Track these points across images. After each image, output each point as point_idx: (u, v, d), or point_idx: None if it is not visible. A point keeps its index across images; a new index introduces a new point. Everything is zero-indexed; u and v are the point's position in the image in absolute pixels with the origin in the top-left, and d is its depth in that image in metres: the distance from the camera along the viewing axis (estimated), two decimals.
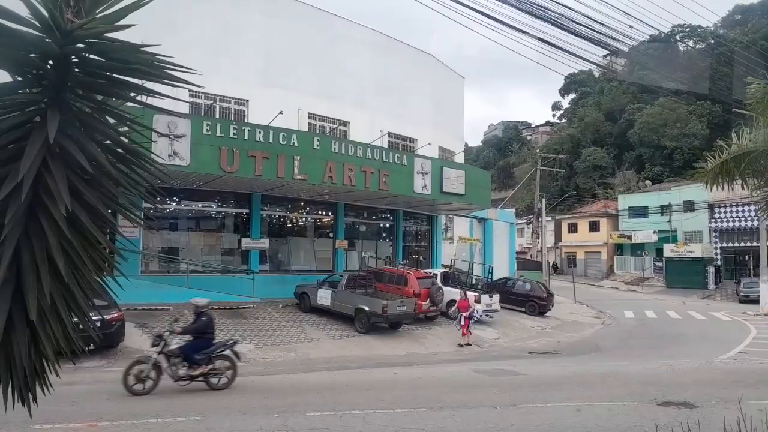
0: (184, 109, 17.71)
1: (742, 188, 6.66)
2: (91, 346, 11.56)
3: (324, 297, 18.94)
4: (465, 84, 32.35)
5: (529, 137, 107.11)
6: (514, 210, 48.17)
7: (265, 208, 21.61)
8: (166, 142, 14.92)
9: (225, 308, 18.12)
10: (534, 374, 13.63)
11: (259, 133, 16.86)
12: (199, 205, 20.48)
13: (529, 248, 59.00)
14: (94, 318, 2.83)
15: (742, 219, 42.93)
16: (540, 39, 10.44)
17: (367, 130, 23.27)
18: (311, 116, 22.86)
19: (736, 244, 44.08)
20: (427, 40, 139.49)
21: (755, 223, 39.19)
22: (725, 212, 43.85)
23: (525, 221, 58.70)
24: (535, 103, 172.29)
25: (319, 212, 23.75)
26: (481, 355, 16.78)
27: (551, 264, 58.31)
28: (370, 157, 19.18)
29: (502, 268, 33.37)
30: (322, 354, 15.24)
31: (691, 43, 76.27)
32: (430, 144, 25.67)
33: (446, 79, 30.17)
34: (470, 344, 17.76)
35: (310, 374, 12.84)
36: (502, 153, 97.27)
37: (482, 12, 9.78)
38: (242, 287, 19.53)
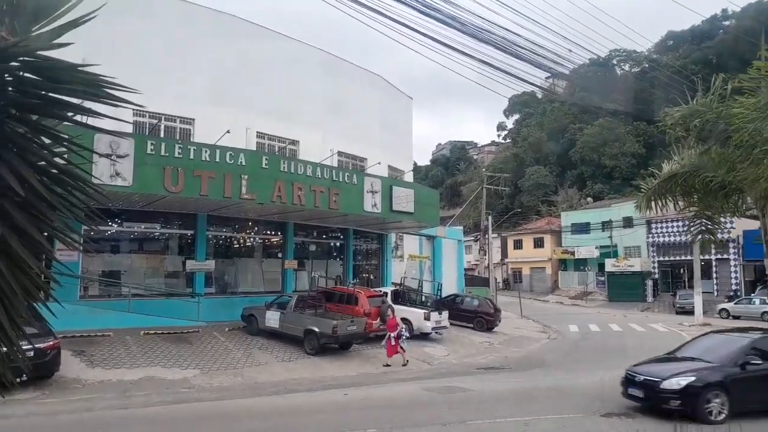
0: (128, 128, 17.24)
1: (674, 208, 7.02)
2: (24, 377, 10.95)
3: (272, 319, 18.60)
4: (413, 104, 32.87)
5: (475, 156, 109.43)
6: (461, 227, 48.93)
7: (211, 228, 21.16)
8: (108, 162, 14.45)
9: (168, 333, 17.54)
10: (482, 390, 13.78)
11: (205, 152, 16.56)
12: (142, 227, 19.86)
13: (476, 265, 59.99)
14: (25, 347, 2.69)
15: (676, 234, 44.96)
16: (483, 62, 10.77)
17: (317, 150, 23.24)
18: (260, 135, 22.65)
19: (672, 258, 46.10)
20: (376, 62, 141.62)
21: (688, 237, 41.10)
22: (661, 228, 45.86)
23: (472, 238, 59.65)
24: (481, 123, 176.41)
25: (268, 232, 23.44)
26: (430, 372, 16.83)
27: (503, 280, 59.42)
28: (320, 176, 19.13)
29: (451, 284, 33.74)
30: (271, 378, 14.94)
31: (627, 66, 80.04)
32: (379, 163, 25.85)
33: (395, 100, 30.58)
34: (406, 363, 17.29)
35: (258, 399, 12.56)
36: (450, 172, 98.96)
37: (428, 35, 10.01)
38: (187, 311, 18.96)
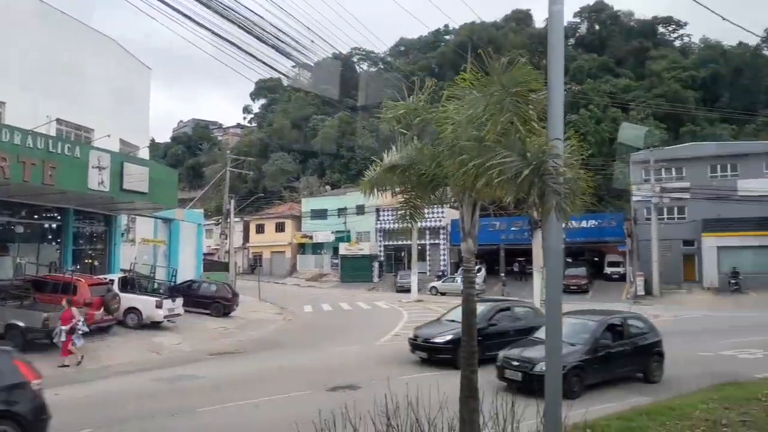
0: None
1: (392, 196, 7.84)
2: None
3: None
4: (153, 76, 30.40)
5: (219, 138, 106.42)
6: (202, 211, 47.20)
7: None
8: None
9: None
10: (215, 376, 13.60)
11: None
12: None
13: (217, 249, 58.53)
14: None
15: (396, 221, 50.28)
16: (227, 40, 10.49)
17: (29, 115, 19.85)
18: None
19: (396, 243, 51.32)
20: (111, 26, 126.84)
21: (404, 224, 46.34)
22: (387, 215, 50.61)
23: (214, 222, 58.03)
24: (227, 104, 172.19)
25: None
26: (160, 362, 15.97)
27: (250, 265, 58.99)
28: (31, 146, 16.41)
29: (189, 270, 32.32)
30: None
31: (365, 65, 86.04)
32: (109, 136, 23.30)
33: (131, 69, 27.85)
34: (80, 362, 14.87)
35: None
36: (192, 152, 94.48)
37: (169, 4, 9.35)
38: None
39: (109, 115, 24.79)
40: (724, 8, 10.34)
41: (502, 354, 12.16)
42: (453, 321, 14.23)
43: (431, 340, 14.68)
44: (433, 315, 27.48)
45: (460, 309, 13.54)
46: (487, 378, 10.24)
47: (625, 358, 12.30)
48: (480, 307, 13.38)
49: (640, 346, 12.74)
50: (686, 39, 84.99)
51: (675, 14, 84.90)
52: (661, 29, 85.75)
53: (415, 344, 15.16)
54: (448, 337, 14.13)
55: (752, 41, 71.28)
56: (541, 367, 10.23)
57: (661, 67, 69.40)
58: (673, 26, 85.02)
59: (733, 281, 37.25)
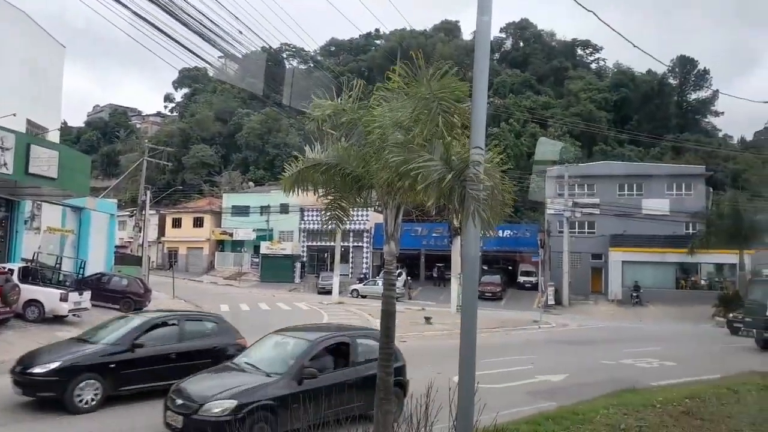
0: None
1: (314, 194, 7.83)
2: None
3: None
4: (67, 55, 28.66)
5: (138, 125, 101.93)
6: (116, 201, 44.93)
7: None
8: None
9: None
10: None
11: None
12: None
13: (130, 242, 55.90)
14: None
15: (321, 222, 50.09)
16: (148, 21, 10.08)
17: None
18: None
19: (319, 243, 51.09)
20: None
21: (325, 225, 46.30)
22: (312, 215, 50.33)
23: (128, 213, 55.41)
24: (147, 91, 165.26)
25: None
26: None
27: (169, 261, 56.59)
28: None
29: (99, 262, 30.66)
30: None
31: (295, 62, 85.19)
32: (15, 115, 21.73)
33: (42, 45, 26.11)
34: None
35: None
36: (108, 138, 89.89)
37: None
38: None
39: (15, 93, 23.13)
40: (636, 37, 11.12)
41: (173, 387, 8.63)
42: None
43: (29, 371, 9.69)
44: (353, 317, 27.71)
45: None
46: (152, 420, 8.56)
47: (348, 392, 8.53)
48: (124, 324, 11.06)
49: (370, 376, 8.38)
50: (602, 63, 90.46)
51: (593, 38, 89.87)
52: (579, 51, 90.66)
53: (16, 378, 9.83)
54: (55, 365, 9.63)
55: (660, 70, 76.75)
56: (211, 407, 7.73)
57: (578, 87, 73.34)
58: (591, 49, 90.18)
59: (634, 294, 39.82)
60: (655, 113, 73.16)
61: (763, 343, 20.00)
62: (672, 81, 79.95)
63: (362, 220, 46.46)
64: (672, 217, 41.58)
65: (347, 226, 10.56)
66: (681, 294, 39.81)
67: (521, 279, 45.97)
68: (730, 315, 26.21)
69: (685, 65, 78.86)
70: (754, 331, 20.52)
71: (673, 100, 78.37)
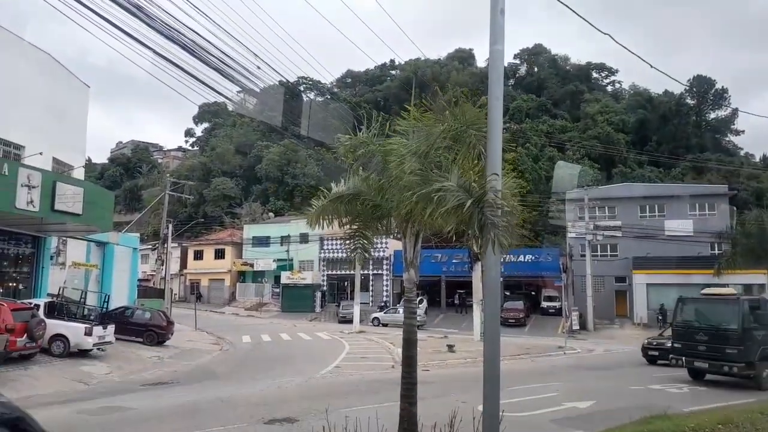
0: None
1: (339, 226, 7.92)
2: None
3: None
4: (91, 94, 29.51)
5: (160, 160, 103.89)
6: (138, 235, 45.60)
7: None
8: None
9: None
10: (145, 408, 13.02)
11: None
12: None
13: (153, 275, 56.50)
14: None
15: (343, 250, 50.13)
16: (170, 61, 10.37)
17: None
18: None
19: (339, 272, 51.09)
20: (47, 40, 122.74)
21: (350, 254, 46.38)
22: (332, 244, 50.48)
23: (150, 247, 56.15)
24: (169, 126, 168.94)
25: None
26: (88, 393, 15.16)
27: (195, 293, 57.07)
28: None
29: (122, 296, 31.05)
30: None
31: (312, 95, 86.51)
32: (41, 154, 22.40)
33: (67, 86, 26.97)
34: None
35: None
36: (131, 174, 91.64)
37: (109, 20, 9.19)
38: None
39: (42, 132, 23.85)
40: (651, 58, 11.13)
41: None
42: None
43: None
44: (375, 346, 27.50)
45: None
46: None
47: None
48: None
49: None
50: (617, 85, 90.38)
51: (607, 61, 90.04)
52: (594, 74, 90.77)
53: None
54: None
55: (677, 90, 76.40)
56: None
57: (595, 110, 73.25)
58: (606, 72, 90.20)
59: (660, 317, 38.94)
60: (674, 134, 72.62)
61: (694, 373, 17.59)
62: (690, 101, 79.46)
63: (382, 247, 46.45)
64: (696, 238, 40.86)
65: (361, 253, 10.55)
66: None
67: (544, 304, 45.33)
68: (645, 340, 23.56)
69: (702, 85, 78.40)
70: (683, 359, 17.43)
71: (691, 120, 77.76)
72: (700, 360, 16.88)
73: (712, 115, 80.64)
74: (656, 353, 21.57)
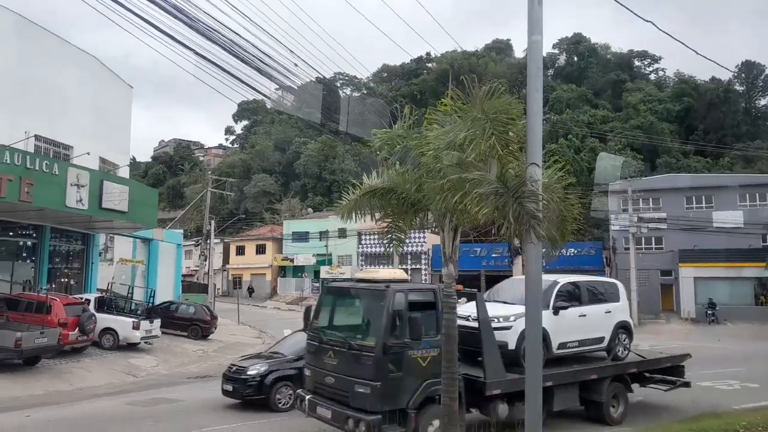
0: None
1: (372, 219, 7.92)
2: None
3: None
4: (134, 95, 30.36)
5: (201, 158, 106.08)
6: (182, 231, 46.76)
7: None
8: None
9: None
10: (192, 400, 13.37)
11: None
12: None
13: (196, 270, 57.85)
14: None
15: (381, 245, 50.31)
16: (210, 61, 10.58)
17: (5, 131, 19.68)
18: None
19: (377, 267, 51.23)
20: (91, 42, 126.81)
21: (387, 247, 46.45)
22: (369, 239, 50.67)
23: (193, 243, 57.48)
24: (209, 124, 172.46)
25: None
26: (137, 385, 15.67)
27: (248, 288, 58.34)
28: (8, 162, 16.25)
29: (167, 291, 31.91)
30: None
31: (348, 90, 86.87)
32: (89, 154, 23.15)
33: (112, 87, 27.81)
34: None
35: None
36: (173, 171, 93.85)
37: (152, 23, 9.42)
38: None
39: (89, 132, 24.64)
40: (697, 44, 10.75)
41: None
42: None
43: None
44: None
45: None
46: None
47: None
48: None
49: None
50: (661, 73, 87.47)
51: (650, 49, 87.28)
52: (636, 63, 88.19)
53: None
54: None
55: (724, 76, 73.55)
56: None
57: (637, 99, 71.13)
58: (648, 60, 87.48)
59: (710, 312, 37.70)
60: (721, 122, 69.92)
61: None
62: (738, 87, 76.45)
63: (420, 242, 46.37)
64: (747, 230, 39.34)
65: (405, 249, 10.64)
66: (761, 311, 37.40)
67: None
68: None
69: (751, 70, 75.33)
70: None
71: (740, 107, 74.76)
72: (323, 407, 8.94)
73: (763, 102, 77.50)
74: None
